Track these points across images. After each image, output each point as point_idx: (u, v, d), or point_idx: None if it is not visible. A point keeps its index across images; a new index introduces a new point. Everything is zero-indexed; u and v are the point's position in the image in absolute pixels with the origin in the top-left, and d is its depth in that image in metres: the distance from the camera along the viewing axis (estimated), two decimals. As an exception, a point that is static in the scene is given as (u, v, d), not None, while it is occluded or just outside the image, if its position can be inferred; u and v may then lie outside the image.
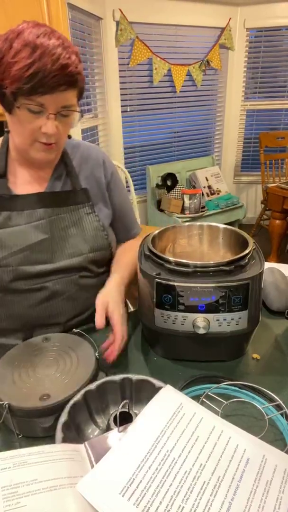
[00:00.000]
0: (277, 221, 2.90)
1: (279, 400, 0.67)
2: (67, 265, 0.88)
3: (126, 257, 1.00)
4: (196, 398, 0.65)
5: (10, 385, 0.66)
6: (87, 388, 0.64)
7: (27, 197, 0.86)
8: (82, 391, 0.64)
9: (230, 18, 3.33)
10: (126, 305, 0.86)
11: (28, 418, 0.62)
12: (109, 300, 0.81)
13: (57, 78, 0.69)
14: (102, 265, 0.98)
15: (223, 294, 0.71)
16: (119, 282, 0.88)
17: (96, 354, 0.73)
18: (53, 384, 0.66)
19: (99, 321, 0.76)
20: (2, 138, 0.90)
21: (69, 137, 0.90)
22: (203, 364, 0.79)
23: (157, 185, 3.31)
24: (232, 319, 0.73)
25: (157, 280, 0.73)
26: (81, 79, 0.75)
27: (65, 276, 0.89)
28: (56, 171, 0.91)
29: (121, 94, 3.07)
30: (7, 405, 0.61)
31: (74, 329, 0.84)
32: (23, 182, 0.88)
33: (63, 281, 0.89)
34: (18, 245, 0.84)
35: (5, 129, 0.85)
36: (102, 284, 0.96)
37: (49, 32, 0.71)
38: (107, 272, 0.99)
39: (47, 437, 0.63)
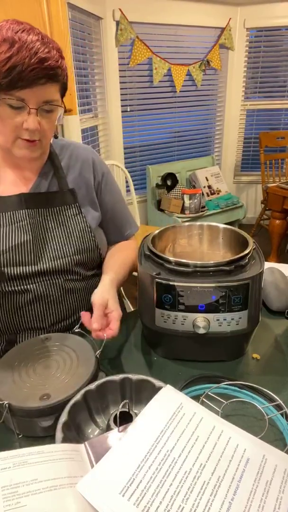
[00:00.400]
0: (277, 221, 2.90)
1: (279, 400, 0.67)
2: (51, 267, 0.86)
3: (119, 256, 0.98)
4: (196, 398, 0.65)
5: (10, 385, 0.66)
6: (87, 388, 0.64)
7: (10, 198, 0.84)
8: (82, 391, 0.63)
9: (230, 18, 3.33)
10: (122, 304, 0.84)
11: (28, 418, 0.62)
12: (109, 298, 0.79)
13: (35, 71, 0.68)
14: (91, 268, 0.96)
15: (223, 294, 0.71)
16: (113, 279, 0.86)
17: (97, 354, 0.73)
18: (53, 384, 0.66)
19: (97, 323, 0.73)
20: None
21: (56, 137, 0.88)
22: (203, 364, 0.79)
23: (157, 185, 3.31)
24: (232, 319, 0.73)
25: (157, 280, 0.73)
26: (62, 73, 0.74)
27: (50, 279, 0.87)
28: (42, 171, 0.89)
29: (121, 94, 3.07)
30: (7, 405, 0.61)
31: (74, 328, 0.83)
32: (8, 183, 0.87)
33: (47, 284, 0.87)
34: (0, 246, 0.83)
35: None
36: (90, 288, 0.94)
37: (28, 28, 0.71)
38: (97, 276, 0.97)
39: (47, 437, 0.63)
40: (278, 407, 0.66)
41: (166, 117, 3.47)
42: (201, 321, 0.72)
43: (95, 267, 0.97)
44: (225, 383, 0.71)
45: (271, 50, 3.53)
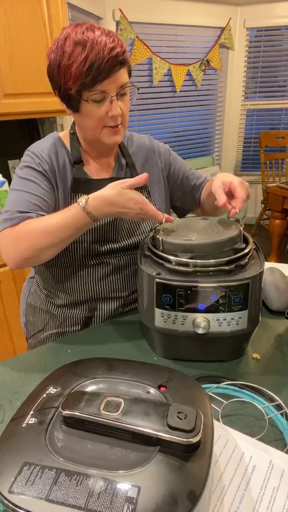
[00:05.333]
0: (277, 221, 2.90)
1: (279, 400, 0.67)
2: (127, 244, 0.97)
3: None
4: (196, 398, 0.65)
5: None
6: None
7: (101, 181, 0.92)
8: None
9: (230, 18, 3.33)
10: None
11: None
12: (232, 181, 0.83)
13: (110, 61, 0.77)
14: None
15: (223, 294, 0.71)
16: None
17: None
18: None
19: (223, 198, 0.79)
20: (68, 137, 0.98)
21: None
22: (203, 364, 0.79)
23: (157, 185, 3.31)
24: (232, 319, 0.73)
25: (157, 280, 0.73)
26: (127, 56, 0.82)
27: (127, 254, 0.98)
28: (117, 160, 1.00)
29: (121, 94, 3.07)
30: None
31: None
32: (94, 170, 0.97)
33: (124, 258, 0.98)
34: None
35: (70, 131, 0.96)
36: None
37: (89, 25, 0.80)
38: None
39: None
40: (278, 407, 0.66)
41: (166, 117, 3.47)
42: (201, 321, 0.72)
43: None
44: (225, 383, 0.71)
45: (271, 50, 3.53)
